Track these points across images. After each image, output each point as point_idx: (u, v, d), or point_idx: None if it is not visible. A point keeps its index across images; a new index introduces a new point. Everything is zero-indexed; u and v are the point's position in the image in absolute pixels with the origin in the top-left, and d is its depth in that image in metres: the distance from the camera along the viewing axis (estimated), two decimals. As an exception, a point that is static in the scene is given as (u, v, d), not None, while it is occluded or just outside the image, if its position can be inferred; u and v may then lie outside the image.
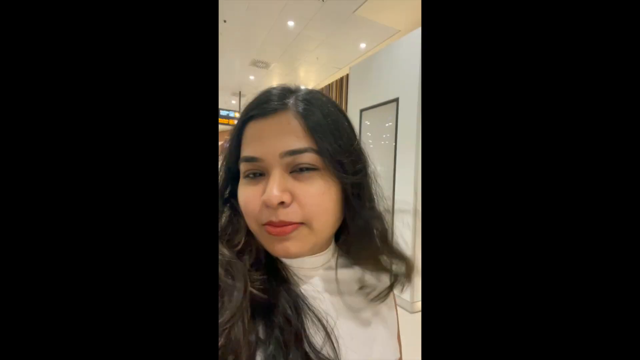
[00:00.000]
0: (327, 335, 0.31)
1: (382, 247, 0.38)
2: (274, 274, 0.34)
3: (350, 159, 0.33)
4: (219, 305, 0.28)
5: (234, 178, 0.36)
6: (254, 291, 0.30)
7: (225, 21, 3.78)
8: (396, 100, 2.69)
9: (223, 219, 0.36)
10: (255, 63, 5.17)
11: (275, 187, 0.30)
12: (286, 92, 0.34)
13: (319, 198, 0.31)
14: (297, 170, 0.31)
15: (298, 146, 0.31)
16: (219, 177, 0.37)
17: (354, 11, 3.72)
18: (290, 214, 0.31)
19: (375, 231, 0.37)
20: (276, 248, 0.32)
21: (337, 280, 0.37)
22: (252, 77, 5.87)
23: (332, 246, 0.38)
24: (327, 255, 0.37)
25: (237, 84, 6.31)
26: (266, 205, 0.30)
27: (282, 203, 0.30)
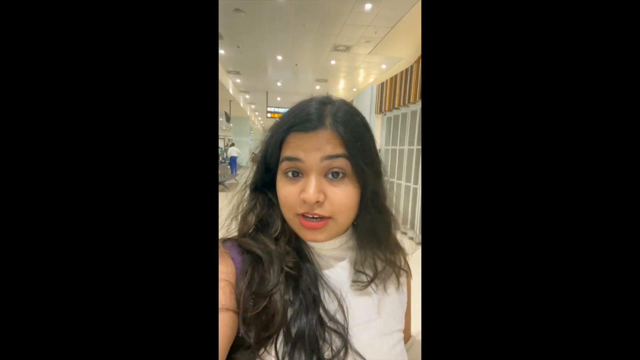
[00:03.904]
0: (339, 303, 0.41)
1: (384, 241, 0.46)
2: (300, 254, 0.44)
3: (371, 167, 0.41)
4: (264, 278, 0.39)
5: (268, 172, 0.45)
6: (287, 269, 0.41)
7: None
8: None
9: (258, 207, 0.46)
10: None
11: (313, 188, 0.38)
12: (323, 110, 0.41)
13: (345, 199, 0.40)
14: (330, 175, 0.40)
15: (334, 152, 0.39)
16: (255, 170, 0.47)
17: (369, 52, 5.08)
18: (322, 210, 0.40)
19: (378, 229, 0.45)
20: (307, 235, 0.42)
21: (349, 258, 0.47)
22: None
23: (349, 231, 0.47)
24: (345, 238, 0.47)
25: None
26: (305, 201, 0.39)
27: (317, 201, 0.39)
